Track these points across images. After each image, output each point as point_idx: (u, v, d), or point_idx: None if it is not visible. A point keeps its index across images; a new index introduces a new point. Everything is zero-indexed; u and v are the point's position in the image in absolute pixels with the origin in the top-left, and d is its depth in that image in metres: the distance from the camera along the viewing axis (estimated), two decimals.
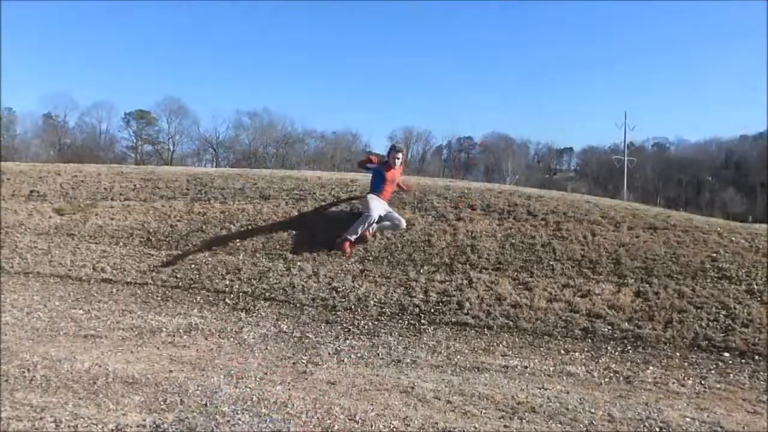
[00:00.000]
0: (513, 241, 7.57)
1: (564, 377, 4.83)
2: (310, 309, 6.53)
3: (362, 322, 6.25)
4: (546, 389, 4.34)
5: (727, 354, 5.31)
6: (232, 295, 6.90)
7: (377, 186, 7.99)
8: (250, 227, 8.41)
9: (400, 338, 5.83)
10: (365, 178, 10.77)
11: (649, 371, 5.00)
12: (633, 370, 5.02)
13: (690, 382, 4.77)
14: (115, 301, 6.76)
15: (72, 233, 8.71)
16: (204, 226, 8.55)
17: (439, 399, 3.90)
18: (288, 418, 3.52)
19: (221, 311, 6.53)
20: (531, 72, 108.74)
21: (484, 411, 3.71)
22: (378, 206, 7.46)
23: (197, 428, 3.13)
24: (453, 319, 6.19)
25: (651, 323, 5.85)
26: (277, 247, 7.87)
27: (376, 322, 6.24)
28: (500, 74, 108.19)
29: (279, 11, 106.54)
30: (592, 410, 3.84)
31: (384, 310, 6.47)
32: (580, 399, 4.10)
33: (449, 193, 9.08)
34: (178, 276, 7.40)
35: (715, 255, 6.92)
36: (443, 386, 4.23)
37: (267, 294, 6.88)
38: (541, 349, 5.56)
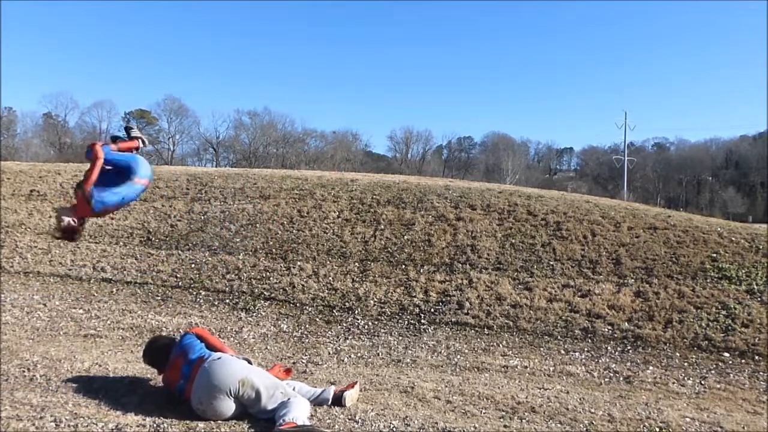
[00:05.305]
0: (513, 241, 7.57)
1: (564, 377, 4.83)
2: (310, 309, 6.53)
3: (362, 322, 6.25)
4: (546, 389, 4.34)
5: (727, 354, 5.31)
6: (232, 295, 6.90)
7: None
8: (250, 227, 8.41)
9: (400, 338, 5.83)
10: (365, 177, 10.78)
11: (649, 371, 5.00)
12: (633, 370, 5.02)
13: (690, 382, 4.77)
14: (115, 301, 6.76)
15: None
16: (204, 226, 8.55)
17: (439, 399, 3.90)
18: None
19: (221, 311, 6.53)
20: (531, 71, 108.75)
21: (484, 411, 3.70)
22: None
23: (197, 428, 3.13)
24: (453, 319, 6.19)
25: (651, 323, 5.85)
26: (277, 247, 7.87)
27: (376, 322, 6.23)
28: (501, 73, 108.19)
29: (279, 11, 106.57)
30: (592, 410, 3.84)
31: (384, 310, 6.47)
32: (580, 399, 4.10)
33: (449, 193, 9.08)
34: (178, 276, 7.40)
35: (715, 255, 6.92)
36: (443, 386, 4.23)
37: (267, 294, 6.88)
38: (541, 349, 5.55)
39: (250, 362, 3.54)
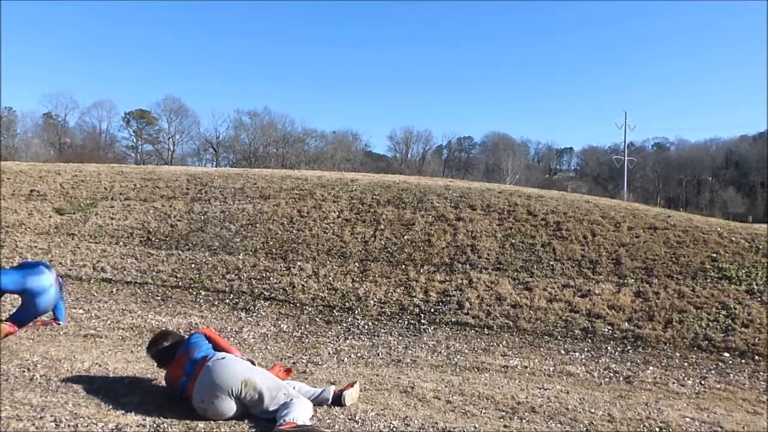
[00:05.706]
0: (513, 241, 7.57)
1: (564, 377, 4.83)
2: (310, 309, 6.54)
3: (362, 322, 6.25)
4: (546, 389, 4.34)
5: (727, 354, 5.31)
6: (232, 295, 6.90)
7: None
8: (250, 227, 8.41)
9: (400, 338, 5.83)
10: (365, 177, 10.77)
11: (649, 371, 5.00)
12: (633, 370, 5.02)
13: (690, 382, 4.77)
14: (115, 301, 6.76)
15: (72, 233, 8.71)
16: (204, 226, 8.55)
17: (439, 399, 3.90)
18: None
19: (221, 311, 6.54)
20: (531, 71, 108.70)
21: (484, 411, 3.70)
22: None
23: (197, 428, 3.13)
24: (453, 319, 6.19)
25: (651, 323, 5.85)
26: (277, 247, 7.87)
27: (376, 322, 6.23)
28: (501, 73, 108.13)
29: (279, 11, 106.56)
30: (592, 410, 3.84)
31: (384, 310, 6.47)
32: (580, 399, 4.10)
33: (449, 193, 9.08)
34: (178, 276, 7.40)
35: (715, 255, 6.92)
36: (443, 386, 4.23)
37: (267, 294, 6.88)
38: (541, 349, 5.55)
39: (253, 363, 3.54)
